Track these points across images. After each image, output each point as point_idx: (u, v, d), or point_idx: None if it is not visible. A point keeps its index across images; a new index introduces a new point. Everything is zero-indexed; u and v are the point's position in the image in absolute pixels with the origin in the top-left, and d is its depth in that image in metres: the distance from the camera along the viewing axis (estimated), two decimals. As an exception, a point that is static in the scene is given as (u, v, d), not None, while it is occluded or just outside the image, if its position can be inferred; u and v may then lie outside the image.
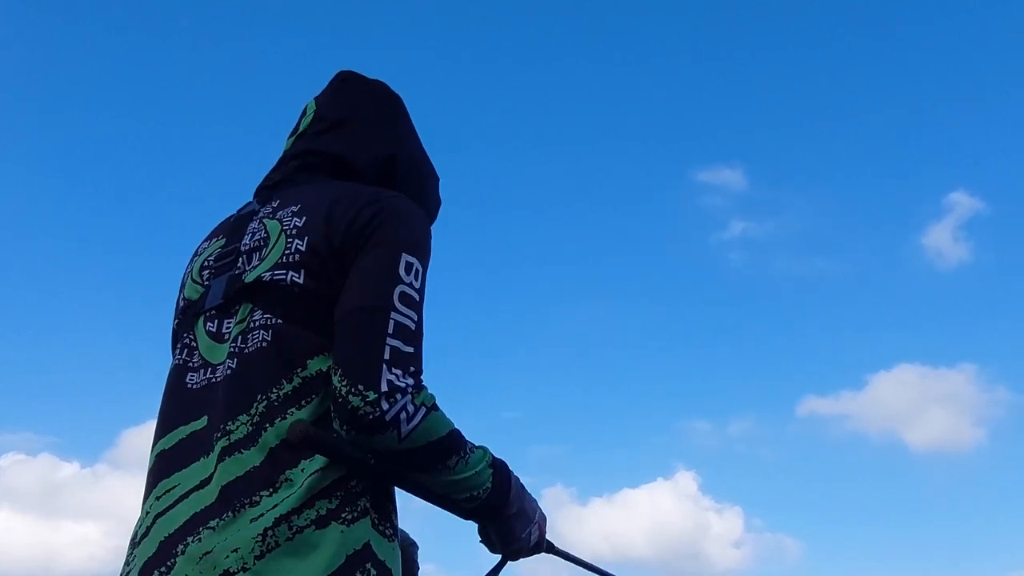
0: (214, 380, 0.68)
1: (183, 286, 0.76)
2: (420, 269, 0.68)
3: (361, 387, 0.62)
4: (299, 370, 0.66)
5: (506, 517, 0.72)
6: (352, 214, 0.68)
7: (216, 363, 0.69)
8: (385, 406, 0.62)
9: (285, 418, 0.64)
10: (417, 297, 0.67)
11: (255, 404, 0.65)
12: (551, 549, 0.81)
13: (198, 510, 0.64)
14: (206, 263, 0.75)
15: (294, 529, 0.61)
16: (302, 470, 0.63)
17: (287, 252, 0.69)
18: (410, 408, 0.63)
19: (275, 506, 0.61)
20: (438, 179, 0.86)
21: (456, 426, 0.67)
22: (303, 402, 0.65)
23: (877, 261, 5.15)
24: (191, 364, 0.70)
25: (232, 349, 0.68)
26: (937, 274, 4.84)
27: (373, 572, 0.62)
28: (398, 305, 0.65)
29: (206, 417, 0.67)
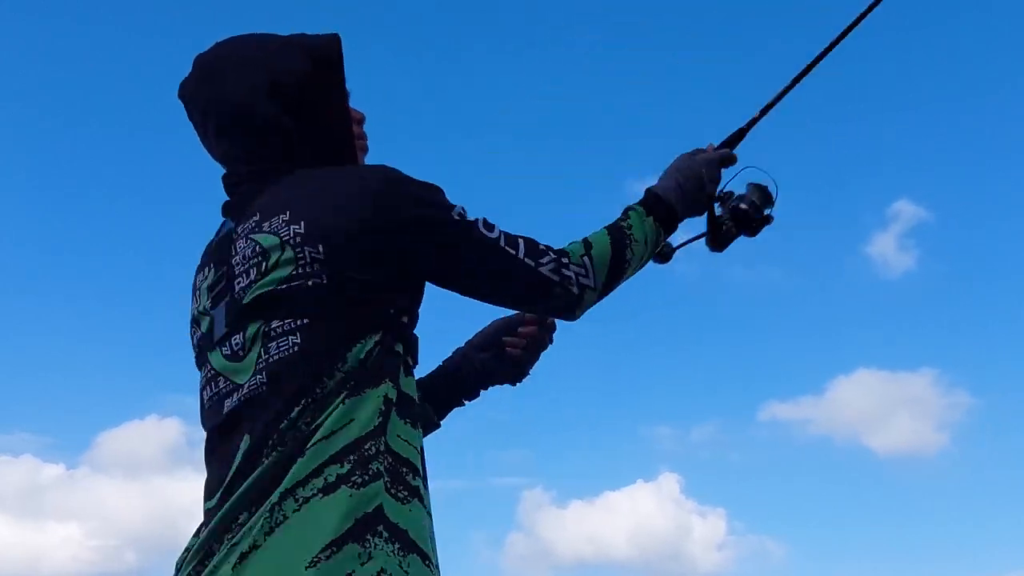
0: (250, 396, 0.68)
1: (194, 322, 0.76)
2: (461, 208, 0.72)
3: (546, 295, 0.74)
4: (340, 364, 0.66)
5: (695, 203, 0.87)
6: (366, 211, 0.68)
7: (242, 382, 0.68)
8: (571, 281, 0.74)
9: (326, 412, 0.65)
10: (488, 219, 0.73)
11: (294, 409, 0.65)
12: (730, 155, 0.91)
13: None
14: (206, 295, 0.75)
15: (300, 500, 0.62)
16: (311, 444, 0.64)
17: (300, 259, 0.68)
18: (577, 269, 0.75)
19: (282, 481, 0.63)
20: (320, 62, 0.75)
21: (609, 236, 0.78)
22: (345, 395, 0.65)
23: (824, 270, 5.18)
24: (222, 391, 0.70)
25: (259, 364, 0.68)
26: (884, 283, 4.88)
27: (385, 534, 0.62)
28: (489, 235, 0.72)
29: (247, 436, 0.67)
